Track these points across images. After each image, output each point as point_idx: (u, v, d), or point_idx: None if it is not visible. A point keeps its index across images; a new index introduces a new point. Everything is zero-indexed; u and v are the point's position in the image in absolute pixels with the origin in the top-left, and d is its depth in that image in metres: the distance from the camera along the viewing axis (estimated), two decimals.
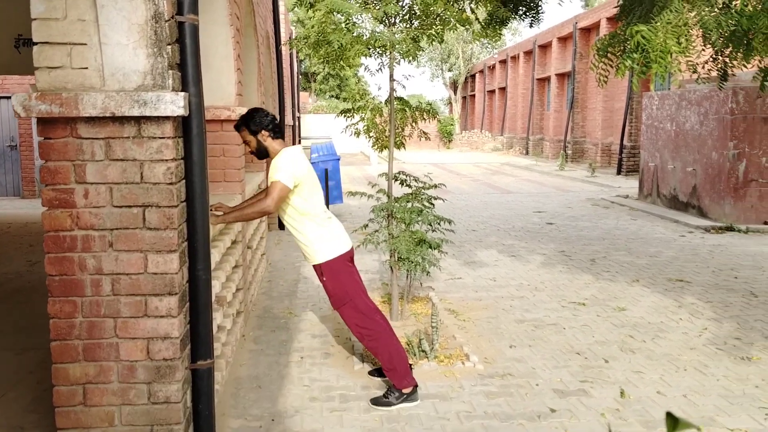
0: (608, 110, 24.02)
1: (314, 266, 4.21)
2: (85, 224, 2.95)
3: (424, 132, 5.86)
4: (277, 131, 4.14)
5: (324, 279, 4.18)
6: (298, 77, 23.29)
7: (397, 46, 5.39)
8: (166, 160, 2.94)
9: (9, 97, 14.33)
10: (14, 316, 5.86)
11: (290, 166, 3.99)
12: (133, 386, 3.06)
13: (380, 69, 5.86)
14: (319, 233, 4.13)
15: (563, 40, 29.09)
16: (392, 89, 5.62)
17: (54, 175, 2.90)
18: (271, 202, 3.90)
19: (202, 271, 3.16)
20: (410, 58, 5.60)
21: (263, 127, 4.08)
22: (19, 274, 7.45)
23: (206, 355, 3.22)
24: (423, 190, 5.71)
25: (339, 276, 4.16)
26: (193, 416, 3.25)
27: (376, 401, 4.09)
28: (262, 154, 4.16)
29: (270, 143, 4.12)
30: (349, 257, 4.24)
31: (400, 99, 5.76)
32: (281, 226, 10.47)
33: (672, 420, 0.80)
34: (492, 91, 41.80)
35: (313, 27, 5.53)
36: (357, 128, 5.78)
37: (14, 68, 10.77)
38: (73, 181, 2.92)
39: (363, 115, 5.63)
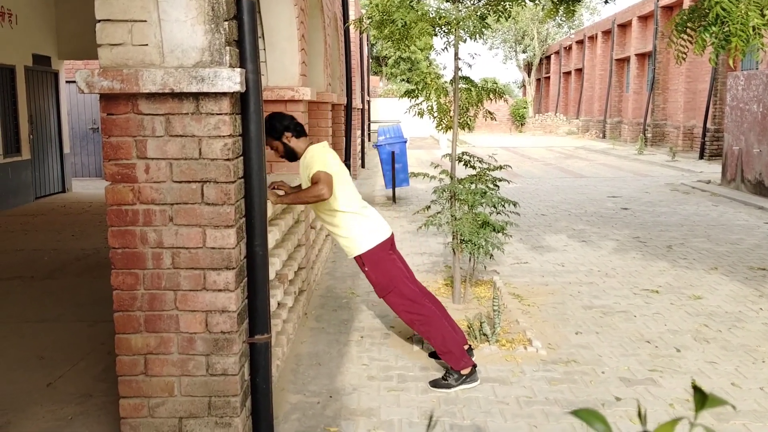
0: (691, 92, 22.94)
1: (355, 258, 4.19)
2: (147, 198, 3.01)
3: (489, 112, 5.72)
4: (300, 130, 4.17)
5: (366, 269, 4.15)
6: (368, 61, 23.31)
7: (462, 24, 5.27)
8: (224, 136, 2.96)
9: None
10: (90, 289, 6.13)
11: (321, 159, 4.02)
12: (192, 358, 3.13)
13: (446, 48, 5.75)
14: (356, 224, 4.10)
15: (644, 18, 27.92)
16: (456, 68, 5.51)
17: (116, 151, 2.98)
18: (324, 187, 3.90)
19: (259, 246, 3.18)
20: (476, 36, 5.47)
21: (284, 129, 4.11)
22: (97, 250, 7.79)
23: (264, 329, 3.25)
24: (488, 172, 5.59)
25: (381, 264, 4.13)
26: (250, 389, 3.30)
27: (435, 383, 4.05)
28: (291, 156, 4.19)
29: (295, 143, 4.15)
30: (389, 245, 4.20)
31: (465, 78, 5.64)
32: None
33: (700, 395, 0.72)
34: (568, 73, 40.66)
35: (377, 6, 5.48)
36: (421, 108, 5.69)
37: (95, 53, 11.22)
38: (134, 157, 2.98)
39: (427, 94, 5.53)
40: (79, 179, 15.16)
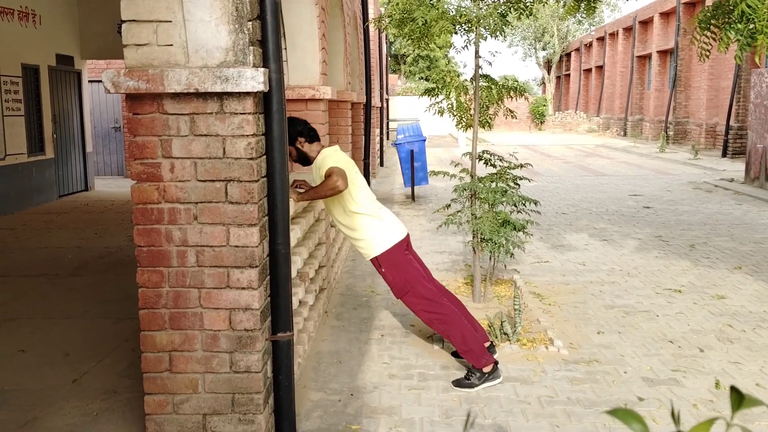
0: (714, 89, 22.66)
1: (371, 260, 4.20)
2: (171, 197, 3.05)
3: (510, 110, 5.69)
4: (312, 135, 4.21)
5: (383, 271, 4.16)
6: (387, 59, 23.32)
7: (482, 22, 5.25)
8: (247, 135, 2.99)
9: None
10: (114, 286, 6.21)
11: (332, 158, 4.06)
12: (216, 355, 3.16)
13: (466, 46, 5.74)
14: (373, 226, 4.11)
15: (665, 15, 27.63)
16: (477, 66, 5.49)
17: (142, 150, 3.02)
18: (339, 179, 3.90)
19: (281, 245, 3.20)
20: (497, 34, 5.45)
21: (298, 134, 4.14)
22: (120, 248, 7.88)
23: (286, 327, 3.28)
24: (508, 170, 5.57)
25: (397, 265, 4.14)
26: (273, 386, 3.32)
27: (458, 383, 4.04)
28: (304, 160, 4.25)
29: (308, 148, 4.20)
30: (404, 245, 4.21)
31: (486, 77, 5.62)
32: None
33: (737, 395, 0.72)
34: (588, 70, 40.35)
35: (397, 4, 5.48)
36: (441, 107, 5.69)
37: (117, 53, 11.33)
38: (160, 156, 3.02)
39: (447, 92, 5.52)
40: (101, 178, 15.33)
